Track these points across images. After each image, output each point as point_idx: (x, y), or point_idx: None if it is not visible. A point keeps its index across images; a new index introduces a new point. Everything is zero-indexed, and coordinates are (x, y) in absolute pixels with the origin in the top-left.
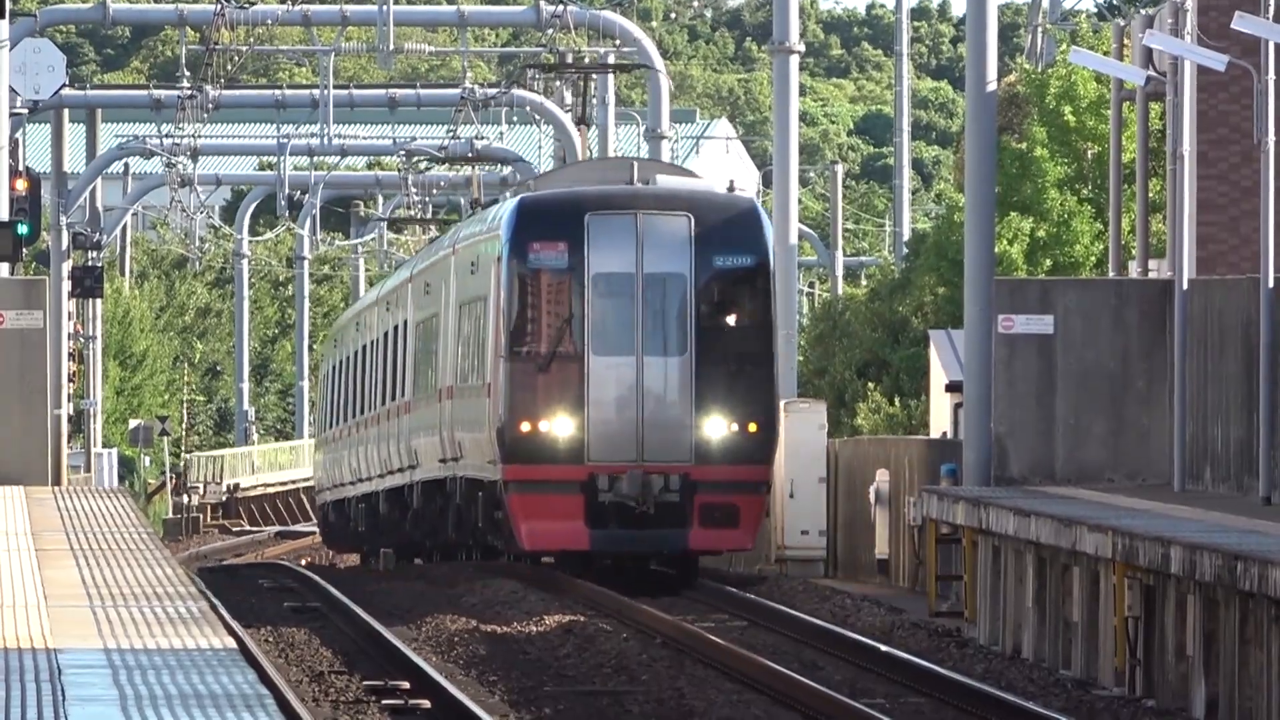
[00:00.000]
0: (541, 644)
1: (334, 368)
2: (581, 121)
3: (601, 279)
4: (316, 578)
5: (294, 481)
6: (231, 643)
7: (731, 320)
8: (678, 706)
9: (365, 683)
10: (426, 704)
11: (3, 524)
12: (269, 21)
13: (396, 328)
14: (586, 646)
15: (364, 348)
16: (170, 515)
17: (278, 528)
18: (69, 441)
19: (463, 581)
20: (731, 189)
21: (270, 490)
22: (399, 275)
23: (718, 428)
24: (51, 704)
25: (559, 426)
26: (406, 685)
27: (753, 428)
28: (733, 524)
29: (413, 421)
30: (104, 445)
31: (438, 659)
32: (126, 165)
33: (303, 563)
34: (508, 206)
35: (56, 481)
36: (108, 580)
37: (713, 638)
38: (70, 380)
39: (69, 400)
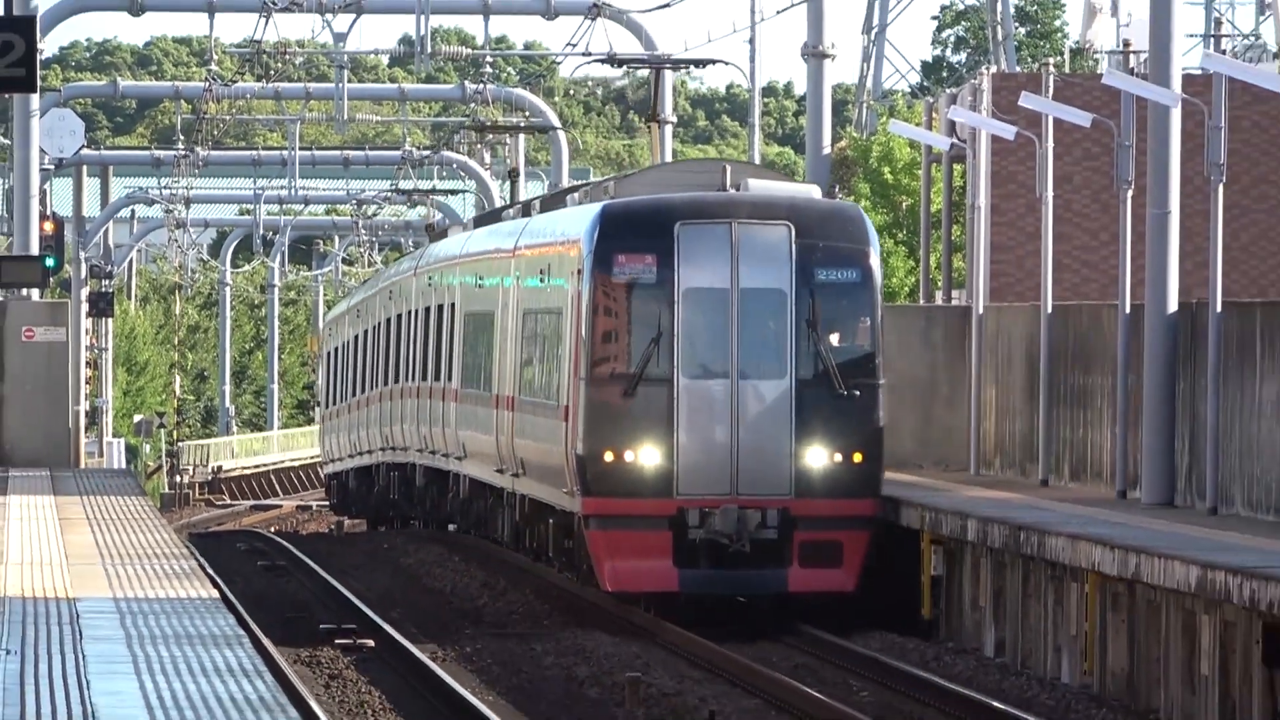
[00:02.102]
0: (463, 595)
1: (362, 342)
2: (512, 176)
3: (693, 294)
4: (284, 542)
5: (266, 464)
6: (215, 594)
7: (835, 340)
8: (572, 646)
9: (322, 626)
10: (371, 642)
11: (32, 498)
12: (247, 96)
13: (417, 312)
14: (499, 599)
15: (379, 327)
16: (166, 491)
17: (252, 502)
18: (85, 432)
19: (400, 546)
20: (834, 194)
21: (247, 471)
22: (436, 258)
23: (819, 458)
24: (71, 642)
25: (645, 456)
26: (355, 627)
27: (857, 458)
28: (835, 563)
29: (461, 412)
30: (113, 435)
31: (379, 605)
32: (133, 211)
33: (272, 530)
34: (588, 214)
35: (75, 464)
36: (116, 543)
37: (600, 599)
38: (86, 383)
39: (85, 399)
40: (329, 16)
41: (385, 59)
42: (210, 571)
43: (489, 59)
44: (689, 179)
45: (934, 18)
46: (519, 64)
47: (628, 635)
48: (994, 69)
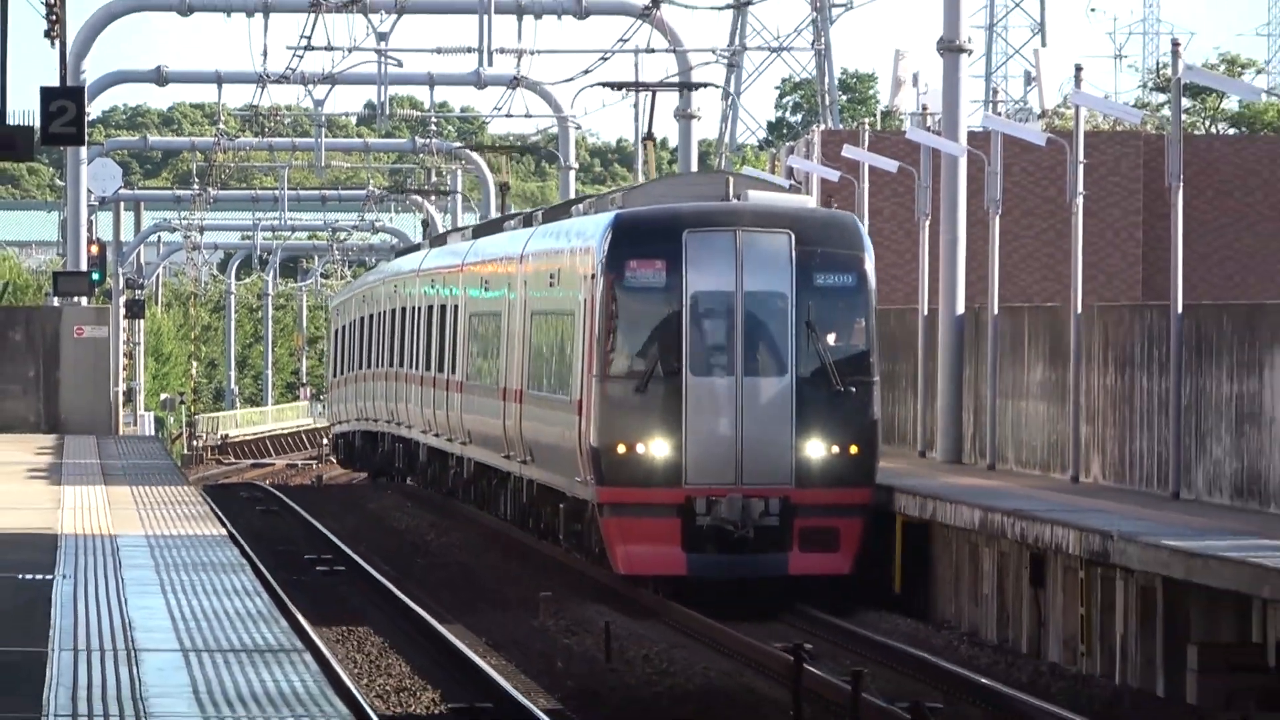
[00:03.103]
0: (415, 533)
1: (368, 324)
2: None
3: (700, 297)
4: (276, 492)
5: (262, 432)
6: (223, 532)
7: (832, 340)
8: (505, 572)
9: (305, 556)
10: (343, 567)
11: (83, 459)
12: (247, 148)
13: (431, 308)
14: (443, 536)
15: (381, 316)
16: (185, 453)
17: (251, 461)
18: (123, 407)
19: (367, 495)
20: (830, 204)
21: (248, 437)
22: (436, 262)
23: (818, 450)
24: (113, 569)
25: (655, 448)
26: (330, 556)
27: (853, 450)
28: (832, 548)
29: (466, 402)
30: (145, 410)
31: (350, 541)
32: (159, 237)
33: (268, 482)
34: (600, 223)
35: (115, 432)
36: (146, 492)
37: (526, 538)
38: (123, 370)
39: (122, 382)
40: (310, 87)
41: (353, 119)
42: (219, 514)
43: (434, 119)
44: (693, 191)
45: (776, 87)
46: (457, 123)
47: (547, 567)
48: (823, 127)
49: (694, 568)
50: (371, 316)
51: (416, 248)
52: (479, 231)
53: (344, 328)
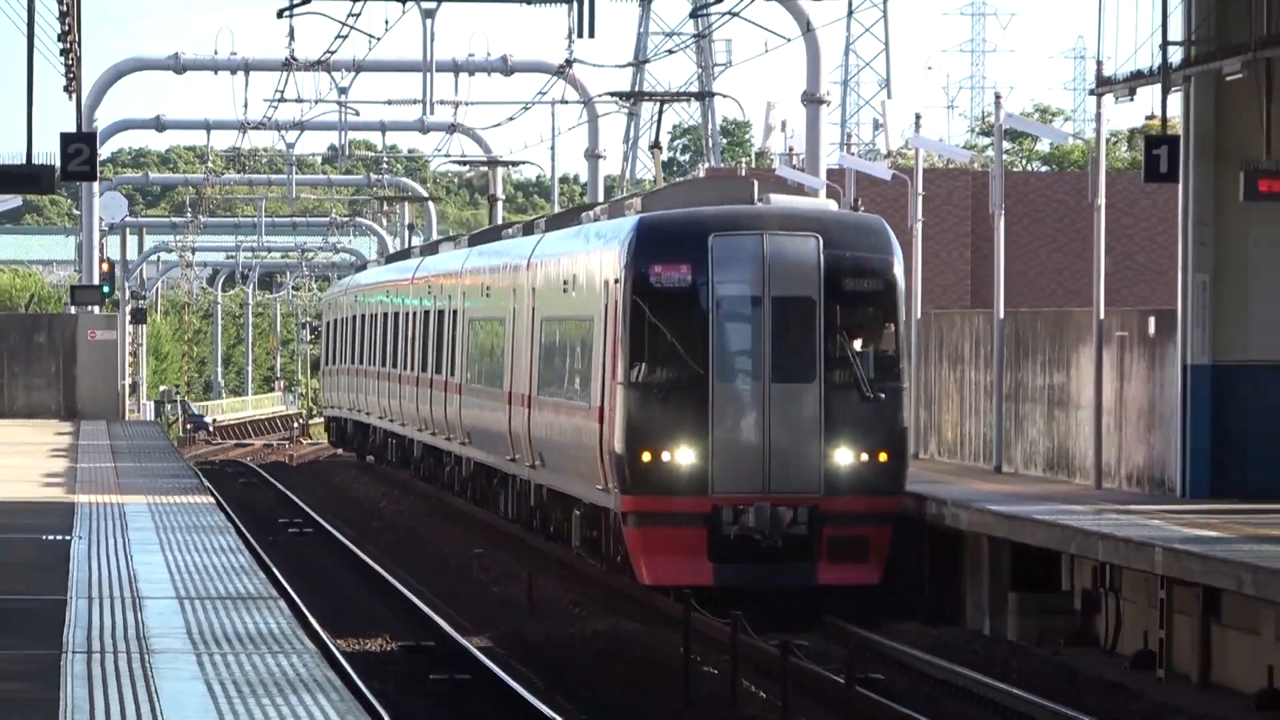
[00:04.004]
0: (370, 503)
1: (354, 321)
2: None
3: (726, 302)
4: (256, 468)
5: (244, 417)
6: (212, 500)
7: (860, 345)
8: (443, 534)
9: (279, 520)
10: (311, 529)
11: (95, 440)
12: (231, 183)
13: (438, 313)
14: (397, 504)
15: (373, 318)
16: (180, 435)
17: (235, 441)
18: (129, 397)
19: (331, 472)
20: (857, 208)
21: (232, 422)
22: (434, 268)
23: (846, 457)
24: (121, 530)
25: (681, 456)
26: (300, 521)
27: (883, 457)
28: (862, 558)
29: (466, 404)
30: (146, 399)
31: (317, 508)
32: (159, 256)
33: (249, 460)
34: (624, 225)
35: (122, 418)
36: (149, 468)
37: (474, 508)
38: (129, 366)
39: (128, 376)
40: (283, 132)
41: (319, 158)
42: (209, 485)
43: (385, 159)
44: (715, 195)
45: (668, 132)
46: (405, 161)
47: (478, 529)
48: (707, 164)
49: (721, 578)
50: (365, 316)
51: (407, 254)
52: (475, 240)
53: (336, 321)
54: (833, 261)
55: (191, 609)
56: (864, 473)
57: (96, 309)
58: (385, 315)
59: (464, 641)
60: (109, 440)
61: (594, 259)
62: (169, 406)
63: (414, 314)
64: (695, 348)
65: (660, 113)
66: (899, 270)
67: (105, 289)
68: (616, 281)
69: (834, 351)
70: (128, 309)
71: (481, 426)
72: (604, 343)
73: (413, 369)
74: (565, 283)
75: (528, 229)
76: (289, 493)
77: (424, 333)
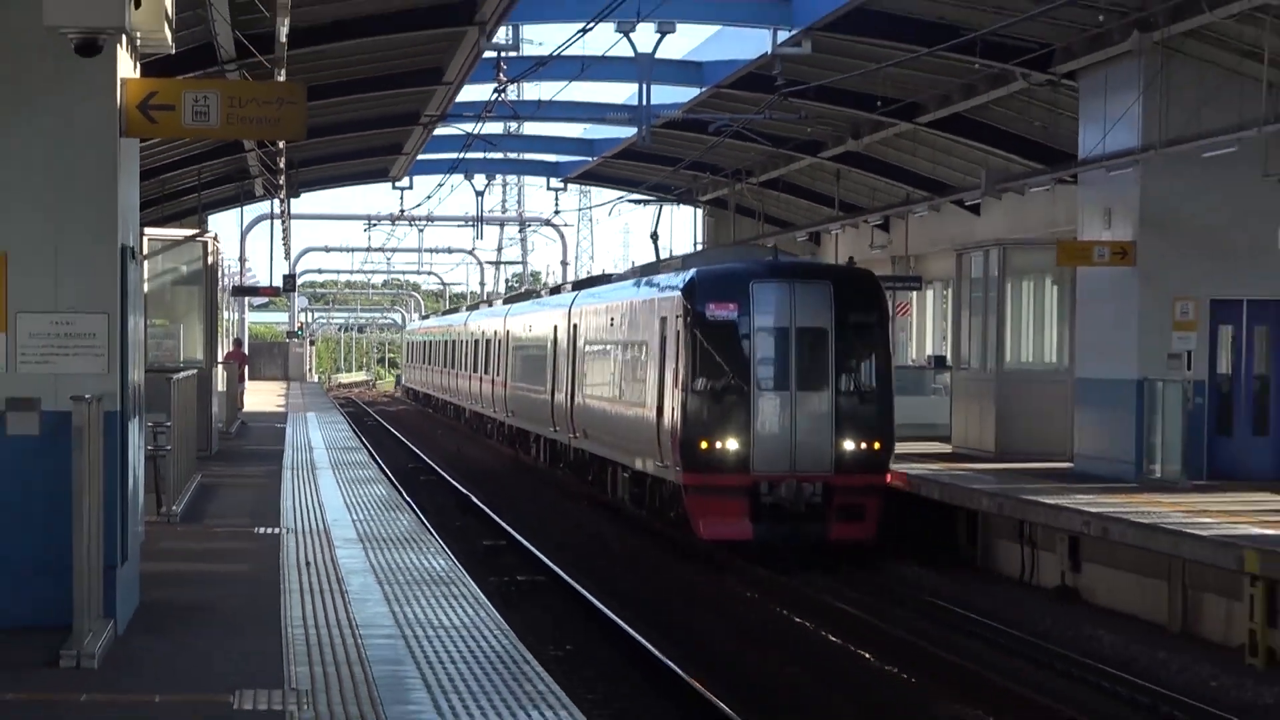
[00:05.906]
0: (470, 455)
1: (425, 345)
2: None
3: (763, 331)
4: (369, 409)
5: (353, 382)
6: (365, 449)
7: (860, 363)
8: (515, 474)
9: (409, 466)
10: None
11: (293, 389)
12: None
13: (488, 334)
14: (468, 450)
15: (439, 343)
16: (327, 387)
17: (346, 389)
18: (310, 373)
19: (434, 427)
20: (853, 263)
21: (347, 382)
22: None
23: (850, 445)
24: (305, 420)
25: (729, 444)
26: (416, 467)
27: (876, 445)
28: (861, 519)
29: (511, 391)
30: (314, 376)
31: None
32: (317, 319)
33: (362, 400)
34: (683, 276)
35: (303, 380)
36: (316, 400)
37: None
38: (310, 361)
39: (309, 365)
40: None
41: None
42: (359, 433)
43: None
44: (741, 257)
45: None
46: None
47: (526, 469)
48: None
49: (759, 535)
50: (431, 343)
51: (456, 310)
52: (509, 300)
53: (412, 344)
54: (840, 302)
55: (372, 549)
56: (863, 457)
57: (295, 340)
58: (447, 342)
59: (527, 544)
60: (301, 390)
61: (656, 302)
62: (335, 376)
63: (468, 341)
64: (739, 365)
65: (659, 214)
66: (886, 307)
67: (299, 333)
68: (678, 316)
69: (841, 367)
70: (308, 340)
71: (525, 408)
72: (659, 360)
73: (467, 369)
74: (611, 320)
75: (554, 290)
76: (403, 438)
77: (474, 350)
